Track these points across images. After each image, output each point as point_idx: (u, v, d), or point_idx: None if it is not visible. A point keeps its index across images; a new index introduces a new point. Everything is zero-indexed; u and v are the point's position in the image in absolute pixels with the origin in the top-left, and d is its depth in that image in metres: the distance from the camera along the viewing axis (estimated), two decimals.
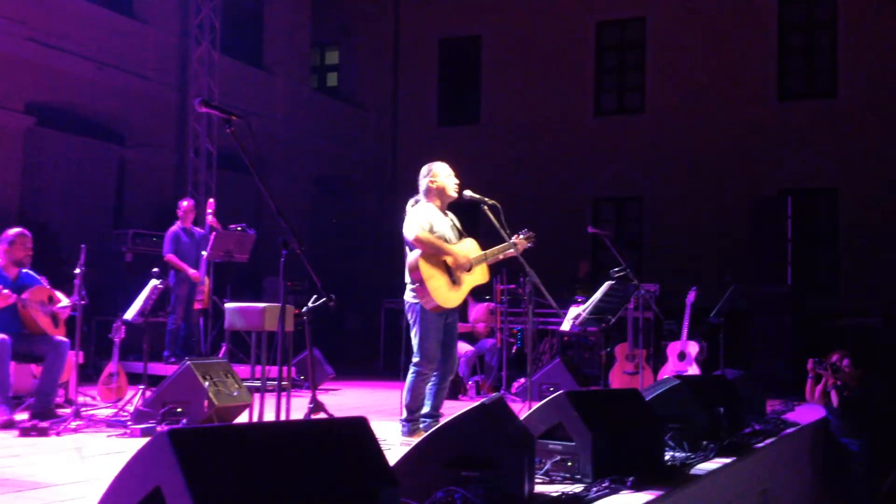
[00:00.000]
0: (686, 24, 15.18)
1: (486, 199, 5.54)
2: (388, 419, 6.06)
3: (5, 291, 6.10)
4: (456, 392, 9.07)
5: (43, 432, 5.57)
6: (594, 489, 3.66)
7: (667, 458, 4.55)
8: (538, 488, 3.62)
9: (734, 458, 4.89)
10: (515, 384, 8.98)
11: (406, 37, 17.39)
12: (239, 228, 9.38)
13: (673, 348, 9.32)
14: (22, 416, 6.07)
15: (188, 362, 5.73)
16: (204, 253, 9.30)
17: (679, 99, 15.10)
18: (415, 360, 5.41)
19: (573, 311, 7.55)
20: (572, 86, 15.90)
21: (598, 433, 3.89)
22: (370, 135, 17.35)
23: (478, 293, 8.98)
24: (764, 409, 7.00)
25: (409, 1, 17.39)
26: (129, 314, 6.62)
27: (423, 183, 5.59)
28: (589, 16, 15.94)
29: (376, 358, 13.24)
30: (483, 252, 5.58)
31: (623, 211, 15.98)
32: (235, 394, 5.76)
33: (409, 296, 5.43)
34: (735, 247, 13.29)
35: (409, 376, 5.43)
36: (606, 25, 16.04)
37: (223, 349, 9.07)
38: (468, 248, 5.53)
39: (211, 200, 9.83)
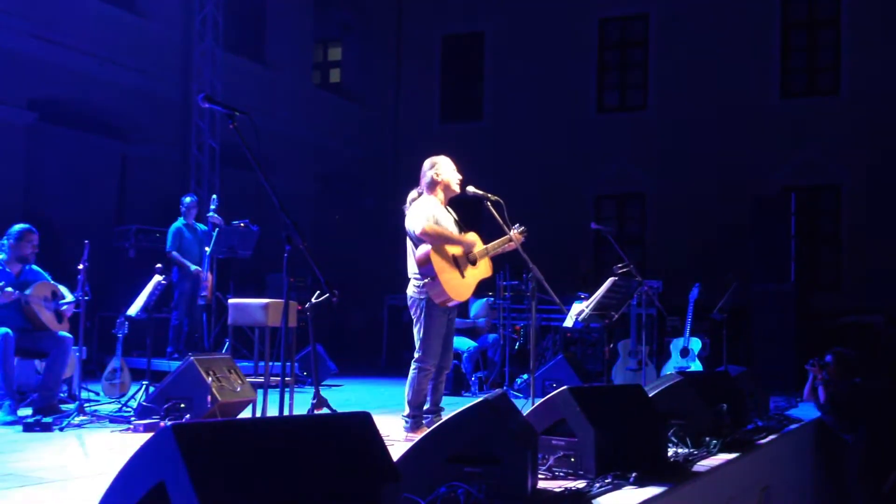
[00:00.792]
0: (689, 21, 15.15)
1: (490, 195, 5.54)
2: (391, 415, 6.06)
3: (8, 289, 6.10)
4: (459, 388, 9.08)
5: (47, 427, 5.59)
6: (597, 485, 3.66)
7: (670, 454, 4.55)
8: (541, 484, 3.63)
9: (737, 454, 4.88)
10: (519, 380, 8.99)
11: (409, 33, 17.37)
12: (242, 224, 9.38)
13: (676, 345, 9.34)
14: (26, 412, 6.09)
15: (191, 358, 5.73)
16: (207, 249, 9.31)
17: (682, 96, 15.09)
18: (416, 355, 5.40)
19: (576, 308, 7.54)
20: (575, 83, 15.89)
21: (601, 429, 3.89)
22: (373, 131, 17.32)
23: (478, 289, 8.97)
24: (767, 405, 6.99)
25: None
26: (133, 310, 6.63)
27: (426, 176, 5.54)
28: (592, 12, 15.92)
29: (379, 354, 13.25)
30: (484, 246, 5.58)
31: (626, 207, 15.97)
32: (238, 389, 5.77)
33: (412, 291, 5.39)
34: (738, 244, 13.26)
35: (411, 372, 5.41)
36: (609, 22, 16.02)
37: (226, 345, 9.08)
38: (473, 240, 5.54)
39: (214, 196, 9.84)
